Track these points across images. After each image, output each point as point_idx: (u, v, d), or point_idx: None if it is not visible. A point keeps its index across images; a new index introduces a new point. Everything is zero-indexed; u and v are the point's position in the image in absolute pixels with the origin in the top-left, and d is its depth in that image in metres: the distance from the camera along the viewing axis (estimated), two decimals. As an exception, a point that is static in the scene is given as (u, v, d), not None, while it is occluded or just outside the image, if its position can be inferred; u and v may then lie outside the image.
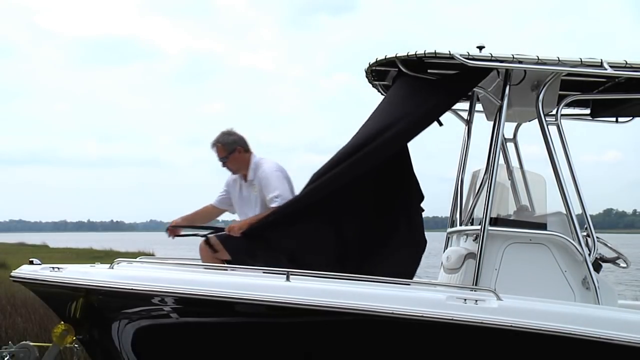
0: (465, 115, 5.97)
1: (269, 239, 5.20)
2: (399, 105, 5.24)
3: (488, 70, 5.18)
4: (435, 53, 4.98)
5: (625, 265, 5.64)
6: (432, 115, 5.22)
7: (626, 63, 5.05)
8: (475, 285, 4.83)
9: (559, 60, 4.95)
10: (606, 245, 5.62)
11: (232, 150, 5.73)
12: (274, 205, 5.46)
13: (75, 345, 5.14)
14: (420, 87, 5.24)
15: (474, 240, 5.29)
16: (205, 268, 5.19)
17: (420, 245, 5.24)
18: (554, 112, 5.44)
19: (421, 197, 5.42)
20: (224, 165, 5.79)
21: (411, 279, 5.11)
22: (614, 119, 6.29)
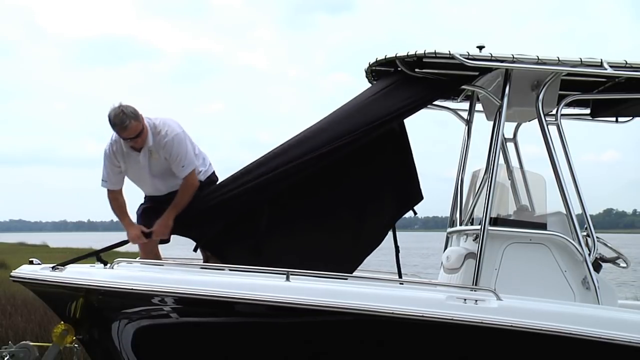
0: (465, 115, 5.98)
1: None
2: (383, 97, 5.25)
3: (482, 70, 5.20)
4: (435, 53, 4.98)
5: (625, 265, 5.63)
6: (411, 108, 5.21)
7: (626, 63, 5.05)
8: (475, 285, 4.82)
9: (559, 60, 4.95)
10: (606, 245, 5.61)
11: (142, 122, 5.15)
12: (184, 174, 5.27)
13: (75, 345, 5.13)
14: (408, 82, 5.25)
15: (474, 240, 5.29)
16: (205, 268, 5.19)
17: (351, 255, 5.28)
18: (554, 112, 5.44)
19: (411, 198, 5.45)
20: (134, 142, 5.19)
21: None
22: (614, 119, 6.30)
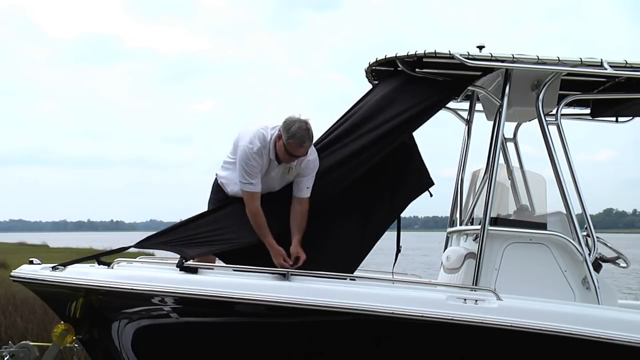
0: (465, 115, 5.98)
1: None
2: (394, 101, 5.22)
3: (484, 70, 5.20)
4: (435, 53, 4.98)
5: (625, 265, 5.64)
6: (426, 113, 5.16)
7: (626, 63, 5.06)
8: (475, 285, 4.83)
9: (559, 60, 4.96)
10: (606, 245, 5.62)
11: None
12: (306, 195, 5.06)
13: (75, 345, 5.13)
14: (416, 83, 5.22)
15: (474, 240, 5.29)
16: (205, 268, 5.18)
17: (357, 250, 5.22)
18: (554, 112, 5.44)
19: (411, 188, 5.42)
20: (289, 158, 4.96)
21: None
22: (614, 118, 6.30)
